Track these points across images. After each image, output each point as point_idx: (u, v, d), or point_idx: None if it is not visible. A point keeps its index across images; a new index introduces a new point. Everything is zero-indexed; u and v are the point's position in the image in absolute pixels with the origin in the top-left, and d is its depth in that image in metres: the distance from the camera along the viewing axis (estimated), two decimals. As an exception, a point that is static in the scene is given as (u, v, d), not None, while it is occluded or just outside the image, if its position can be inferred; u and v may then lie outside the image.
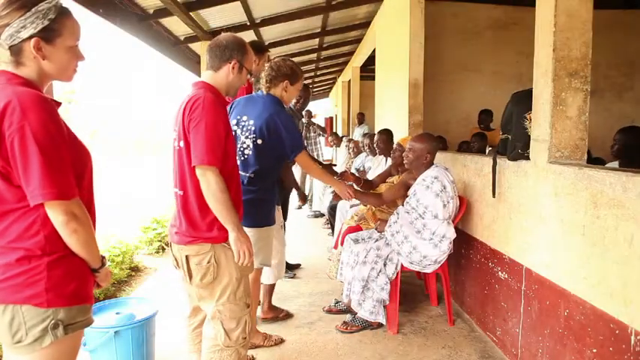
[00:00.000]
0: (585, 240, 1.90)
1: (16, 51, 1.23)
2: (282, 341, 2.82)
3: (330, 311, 3.30)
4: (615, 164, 2.84)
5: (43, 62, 1.26)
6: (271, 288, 3.14)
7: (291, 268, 4.22)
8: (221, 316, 1.90)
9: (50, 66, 1.28)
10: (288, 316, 3.24)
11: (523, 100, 2.57)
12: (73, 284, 1.28)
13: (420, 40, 4.54)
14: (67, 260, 1.27)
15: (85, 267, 1.32)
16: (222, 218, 1.81)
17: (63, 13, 1.27)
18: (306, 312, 3.31)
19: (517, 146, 2.49)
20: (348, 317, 3.06)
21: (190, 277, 1.89)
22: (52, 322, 1.23)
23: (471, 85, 5.75)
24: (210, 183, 1.76)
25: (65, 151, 1.23)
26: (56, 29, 1.25)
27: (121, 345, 2.33)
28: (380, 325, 3.00)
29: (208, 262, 1.85)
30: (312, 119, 8.03)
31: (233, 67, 1.93)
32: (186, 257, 1.87)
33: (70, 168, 1.24)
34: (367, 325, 2.99)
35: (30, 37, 1.22)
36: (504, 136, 2.95)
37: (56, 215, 1.22)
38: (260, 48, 3.14)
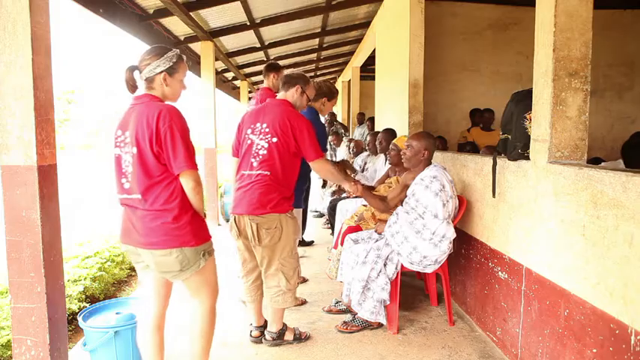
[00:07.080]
0: (585, 240, 1.90)
1: (150, 80, 1.99)
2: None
3: (330, 311, 3.30)
4: (616, 163, 2.84)
5: (166, 88, 2.01)
6: None
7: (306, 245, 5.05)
8: (283, 268, 2.62)
9: (169, 90, 2.02)
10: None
11: (523, 100, 2.56)
12: (202, 228, 2.01)
13: (420, 40, 4.55)
14: (194, 214, 1.97)
15: (201, 217, 2.02)
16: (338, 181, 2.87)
17: (180, 57, 2.05)
18: (306, 312, 3.32)
19: (517, 146, 2.48)
20: (348, 317, 3.06)
21: (260, 240, 2.53)
22: (203, 252, 2.00)
23: (470, 85, 5.74)
24: (326, 168, 2.72)
25: (191, 141, 1.93)
26: (176, 67, 2.02)
27: (121, 345, 2.33)
28: (380, 325, 3.00)
29: (276, 228, 2.54)
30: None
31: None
32: (257, 225, 2.51)
33: (194, 151, 1.94)
34: (367, 325, 2.99)
35: (161, 72, 1.98)
36: (504, 136, 2.94)
37: (189, 181, 1.92)
38: (276, 66, 3.88)
